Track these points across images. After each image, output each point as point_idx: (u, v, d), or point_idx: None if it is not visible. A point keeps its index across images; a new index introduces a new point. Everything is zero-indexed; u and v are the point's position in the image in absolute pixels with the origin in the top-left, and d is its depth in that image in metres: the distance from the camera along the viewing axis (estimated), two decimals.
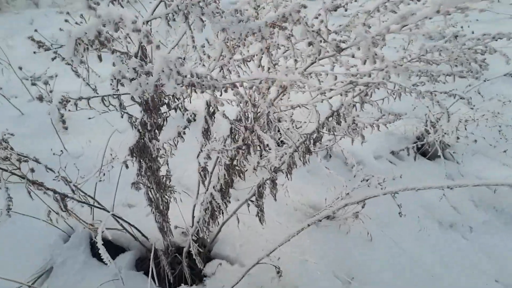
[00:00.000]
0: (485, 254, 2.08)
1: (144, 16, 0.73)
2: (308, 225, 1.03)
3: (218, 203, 1.20)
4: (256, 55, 0.81)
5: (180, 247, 1.78)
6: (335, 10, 0.69)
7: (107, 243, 1.44)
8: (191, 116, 1.11)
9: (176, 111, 0.96)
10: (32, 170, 1.08)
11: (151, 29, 0.63)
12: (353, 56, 0.75)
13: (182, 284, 1.64)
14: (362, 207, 1.93)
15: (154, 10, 0.73)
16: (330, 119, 1.22)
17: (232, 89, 0.62)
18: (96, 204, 1.44)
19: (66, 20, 1.27)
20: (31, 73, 2.82)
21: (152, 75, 0.55)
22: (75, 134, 2.49)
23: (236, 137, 1.21)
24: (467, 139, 2.50)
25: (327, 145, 1.65)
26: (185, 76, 0.51)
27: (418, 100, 1.16)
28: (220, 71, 0.84)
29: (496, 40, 1.03)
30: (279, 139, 2.38)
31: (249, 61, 0.86)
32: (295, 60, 0.93)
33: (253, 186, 1.35)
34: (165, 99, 0.91)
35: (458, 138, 2.37)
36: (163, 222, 1.44)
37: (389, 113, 1.15)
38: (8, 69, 2.76)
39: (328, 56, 0.76)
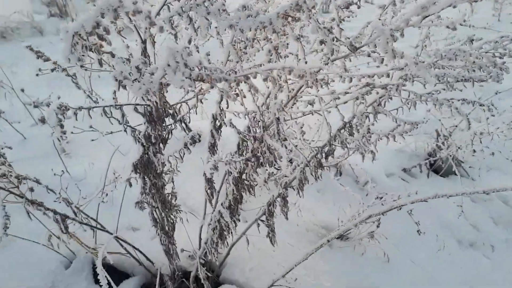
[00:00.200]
0: (509, 273, 1.96)
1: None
2: (328, 241, 0.95)
3: (226, 222, 1.13)
4: (266, 55, 0.76)
5: (187, 271, 1.69)
6: (347, 8, 0.65)
7: (110, 268, 1.37)
8: (195, 136, 1.07)
9: (181, 123, 0.92)
10: (32, 189, 1.03)
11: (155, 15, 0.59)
12: (369, 55, 0.70)
13: None
14: (377, 226, 1.84)
15: (158, 13, 0.70)
16: (342, 130, 1.17)
17: (246, 82, 0.57)
18: (98, 226, 1.38)
19: None
20: (34, 98, 2.81)
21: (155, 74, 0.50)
22: (78, 157, 2.44)
23: (244, 152, 1.16)
24: (483, 153, 2.41)
25: (338, 159, 1.59)
26: (193, 69, 0.46)
27: (435, 108, 1.11)
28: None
29: None
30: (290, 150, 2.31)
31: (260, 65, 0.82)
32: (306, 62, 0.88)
33: (262, 206, 1.29)
34: (169, 109, 0.87)
35: (474, 151, 2.28)
36: (169, 244, 1.36)
37: (405, 122, 1.09)
38: (11, 94, 2.77)
39: (341, 56, 0.72)
